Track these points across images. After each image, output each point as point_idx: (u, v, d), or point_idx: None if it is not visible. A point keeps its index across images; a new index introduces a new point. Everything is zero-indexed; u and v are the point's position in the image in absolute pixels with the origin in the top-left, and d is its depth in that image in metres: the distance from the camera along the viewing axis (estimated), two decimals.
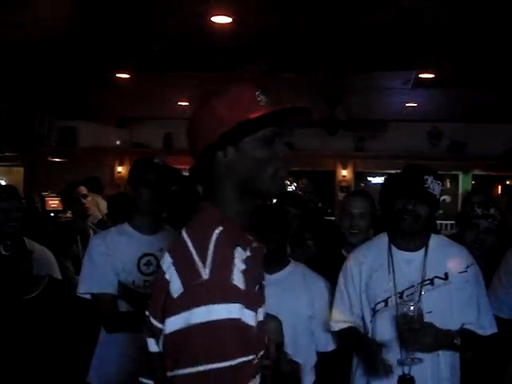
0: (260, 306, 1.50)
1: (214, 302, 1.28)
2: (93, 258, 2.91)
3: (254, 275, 1.46)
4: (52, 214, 8.40)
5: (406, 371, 2.53)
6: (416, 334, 2.44)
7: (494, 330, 2.66)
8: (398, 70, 7.33)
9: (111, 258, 2.87)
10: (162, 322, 1.34)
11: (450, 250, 2.71)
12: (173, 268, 1.37)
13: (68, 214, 5.55)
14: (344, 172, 12.07)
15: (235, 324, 1.30)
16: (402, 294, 2.60)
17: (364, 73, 7.52)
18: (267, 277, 2.55)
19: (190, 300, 1.30)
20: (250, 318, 1.35)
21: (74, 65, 7.36)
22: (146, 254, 2.92)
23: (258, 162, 1.46)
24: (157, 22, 5.87)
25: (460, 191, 11.67)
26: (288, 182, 12.94)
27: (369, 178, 12.61)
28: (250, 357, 1.33)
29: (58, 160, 12.49)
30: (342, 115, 9.81)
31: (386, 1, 5.14)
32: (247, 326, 1.33)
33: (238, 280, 1.35)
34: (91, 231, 4.76)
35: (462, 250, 2.77)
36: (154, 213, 2.99)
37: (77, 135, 12.67)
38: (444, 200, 11.92)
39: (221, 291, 1.31)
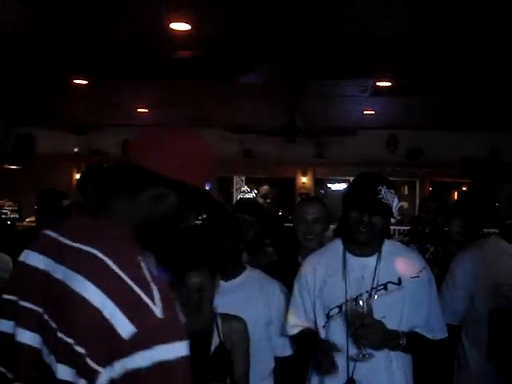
0: None
1: (168, 341, 1.24)
2: None
3: None
4: (9, 222, 8.26)
5: (358, 369, 2.55)
6: (365, 329, 2.46)
7: (444, 334, 2.69)
8: (356, 78, 7.42)
9: None
10: (105, 365, 1.23)
11: (403, 254, 2.73)
12: (112, 305, 1.25)
13: (25, 223, 5.45)
14: (304, 179, 12.12)
15: (186, 361, 1.27)
16: (356, 299, 2.62)
17: (323, 80, 7.58)
18: (223, 284, 2.56)
19: (146, 340, 1.23)
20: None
21: (31, 70, 7.24)
22: None
23: (181, 215, 1.49)
24: (115, 28, 5.82)
25: (417, 197, 11.84)
26: (248, 189, 12.96)
27: (328, 185, 12.70)
28: None
29: (13, 167, 12.27)
30: (301, 123, 9.88)
31: (335, 12, 5.19)
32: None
33: (180, 313, 1.33)
34: None
35: (415, 254, 2.81)
36: None
37: (34, 142, 12.46)
38: (402, 206, 12.09)
39: (175, 329, 1.28)
